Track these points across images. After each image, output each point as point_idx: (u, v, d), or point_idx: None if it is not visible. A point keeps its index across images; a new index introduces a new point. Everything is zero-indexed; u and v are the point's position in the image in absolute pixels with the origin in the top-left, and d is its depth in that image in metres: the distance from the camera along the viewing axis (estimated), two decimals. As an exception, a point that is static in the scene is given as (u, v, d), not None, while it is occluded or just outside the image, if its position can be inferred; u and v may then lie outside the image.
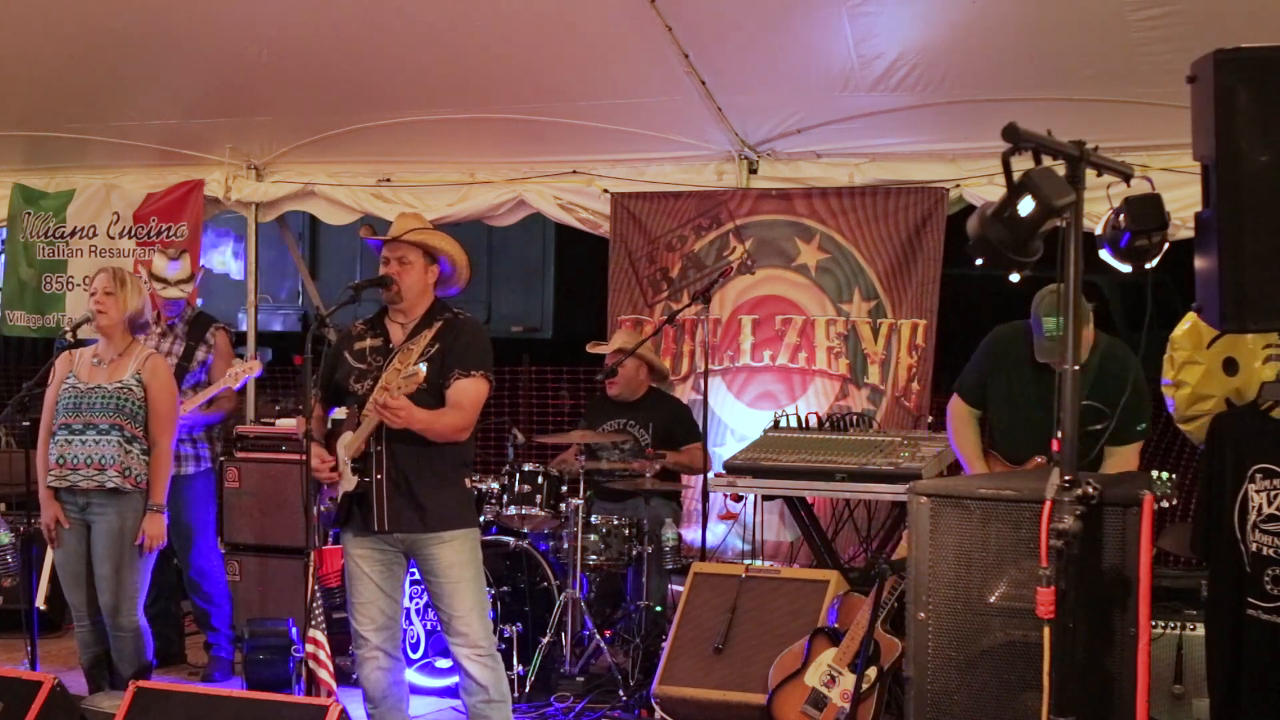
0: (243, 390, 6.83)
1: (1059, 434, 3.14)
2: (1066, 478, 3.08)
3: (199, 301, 6.66)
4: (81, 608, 5.33)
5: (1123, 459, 5.05)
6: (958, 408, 5.30)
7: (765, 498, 6.32)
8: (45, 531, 5.32)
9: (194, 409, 6.07)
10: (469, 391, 4.48)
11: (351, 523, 4.55)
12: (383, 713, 4.63)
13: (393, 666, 4.62)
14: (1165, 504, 4.11)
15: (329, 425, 4.70)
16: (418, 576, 4.89)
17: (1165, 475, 4.04)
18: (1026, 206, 3.06)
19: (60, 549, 5.33)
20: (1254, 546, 4.10)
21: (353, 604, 4.57)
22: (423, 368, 4.31)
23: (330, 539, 5.77)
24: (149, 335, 5.89)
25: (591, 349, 6.79)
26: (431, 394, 4.43)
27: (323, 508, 4.60)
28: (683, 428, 6.50)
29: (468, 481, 4.65)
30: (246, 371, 6.17)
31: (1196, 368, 4.58)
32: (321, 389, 4.71)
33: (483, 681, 4.51)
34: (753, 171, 6.86)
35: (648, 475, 6.12)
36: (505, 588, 5.95)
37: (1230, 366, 4.48)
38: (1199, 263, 3.38)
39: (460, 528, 4.54)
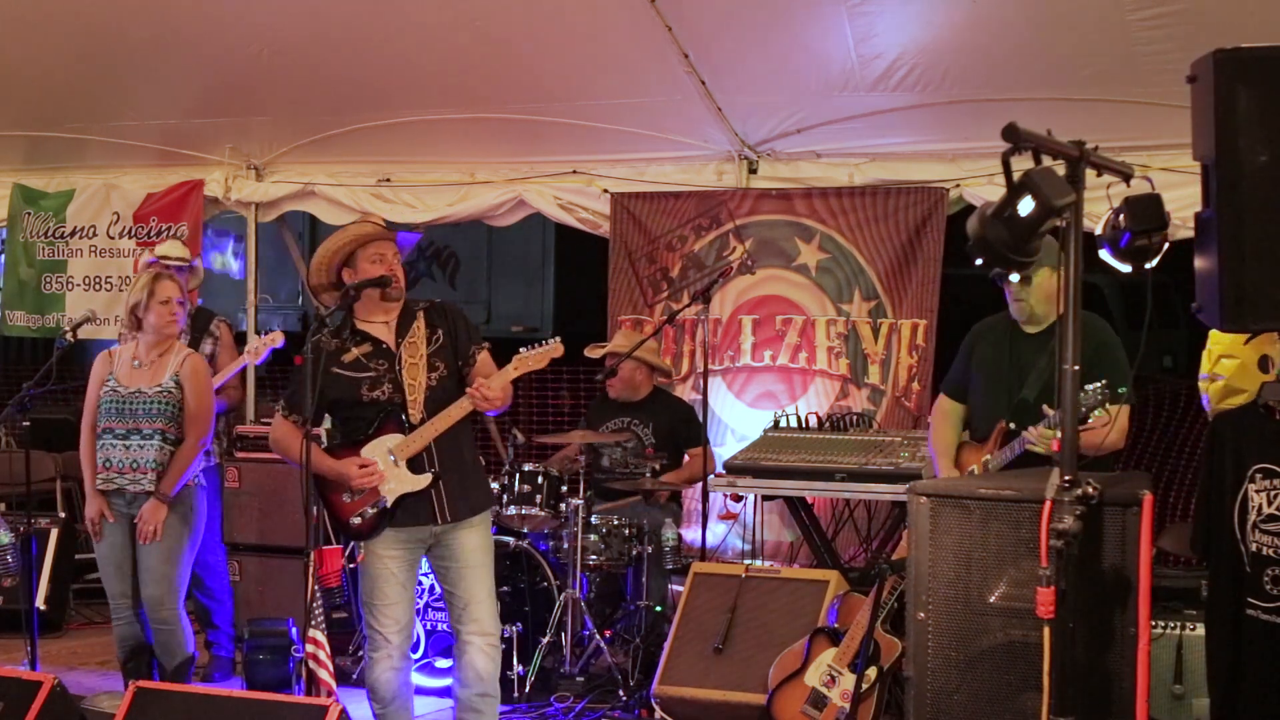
0: (241, 388, 6.82)
1: (1059, 434, 3.13)
2: (1066, 478, 3.08)
3: (199, 300, 6.66)
4: (122, 598, 5.35)
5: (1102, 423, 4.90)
6: (940, 404, 5.25)
7: (765, 498, 6.32)
8: (89, 525, 5.36)
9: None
10: (492, 362, 4.63)
11: (392, 524, 4.52)
12: (391, 713, 4.63)
13: (404, 667, 4.64)
14: (1099, 411, 4.19)
15: (325, 443, 4.68)
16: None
17: (1096, 385, 4.16)
18: (1026, 206, 3.06)
19: (103, 541, 5.34)
20: (1254, 546, 4.10)
21: (375, 605, 4.53)
22: (556, 341, 4.52)
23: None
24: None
25: (589, 353, 6.78)
26: (452, 378, 4.52)
27: (354, 522, 4.54)
28: (686, 429, 6.49)
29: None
30: (270, 343, 6.21)
31: (1232, 362, 4.58)
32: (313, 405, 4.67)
33: (484, 674, 4.53)
34: (753, 171, 6.85)
35: (648, 475, 6.13)
36: (505, 588, 5.95)
37: (1264, 364, 4.49)
38: (1199, 263, 3.38)
39: (488, 508, 4.71)
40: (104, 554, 5.36)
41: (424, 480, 4.47)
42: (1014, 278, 4.73)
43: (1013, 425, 4.73)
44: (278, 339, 6.25)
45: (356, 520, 4.52)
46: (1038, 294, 4.82)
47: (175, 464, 5.29)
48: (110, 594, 5.40)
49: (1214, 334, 4.62)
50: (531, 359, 4.51)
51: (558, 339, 4.51)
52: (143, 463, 5.26)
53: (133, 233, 7.76)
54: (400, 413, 4.48)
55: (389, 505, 4.50)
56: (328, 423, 4.80)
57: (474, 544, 4.56)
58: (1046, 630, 3.07)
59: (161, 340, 5.38)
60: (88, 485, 5.35)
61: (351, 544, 4.81)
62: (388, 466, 4.48)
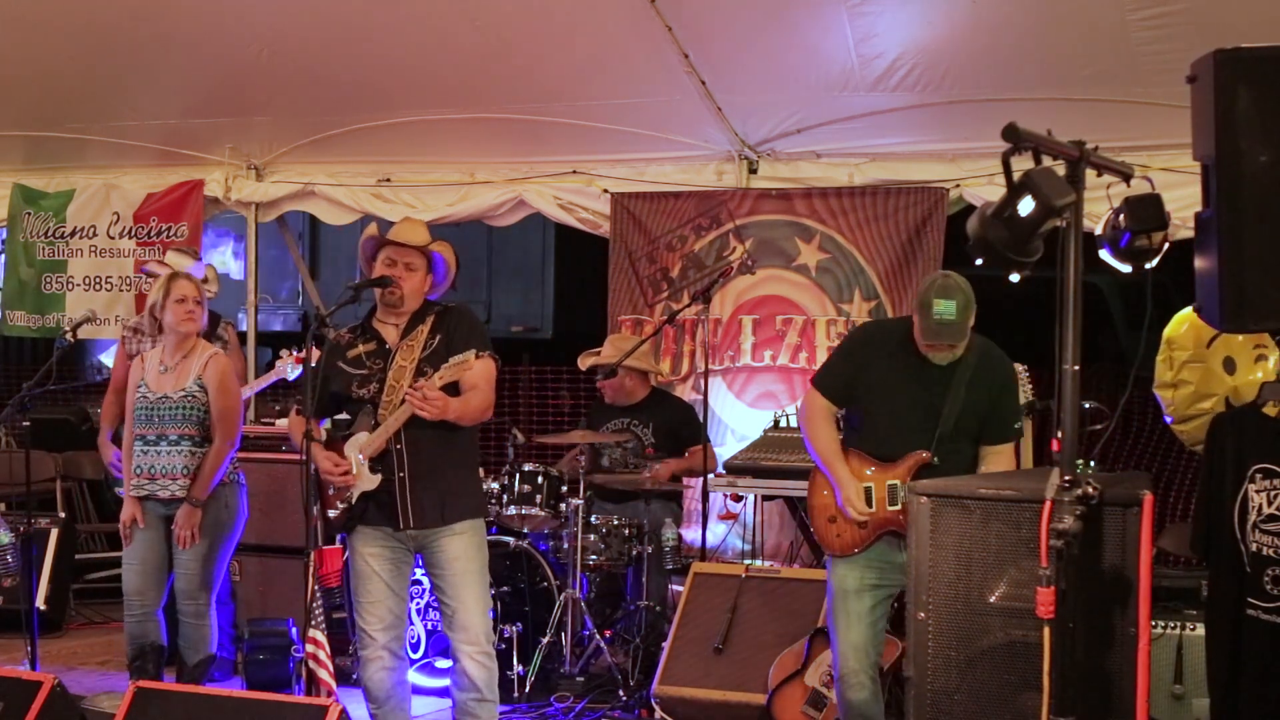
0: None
1: (1059, 434, 3.13)
2: (1067, 478, 3.08)
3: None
4: (137, 596, 5.37)
5: (1002, 458, 4.63)
6: (815, 402, 4.68)
7: (765, 498, 6.32)
8: (121, 529, 5.41)
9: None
10: (483, 372, 4.52)
11: (365, 522, 4.54)
12: (386, 713, 4.62)
13: (397, 666, 4.62)
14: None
15: (324, 438, 4.69)
16: (416, 576, 4.88)
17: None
18: (1026, 206, 3.05)
19: (134, 541, 5.38)
20: (1254, 546, 4.10)
21: (360, 603, 4.55)
22: (471, 354, 4.35)
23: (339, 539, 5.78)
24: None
25: (581, 363, 6.72)
26: (445, 384, 4.46)
27: (331, 514, 4.58)
28: (686, 429, 6.49)
29: (481, 470, 4.71)
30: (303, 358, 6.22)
31: (1199, 367, 4.57)
32: (315, 402, 4.69)
33: (477, 681, 4.51)
34: (752, 171, 6.86)
35: (646, 476, 6.13)
36: (505, 588, 5.95)
37: (1229, 366, 4.48)
38: (1199, 263, 3.38)
39: (474, 517, 4.59)
40: (130, 550, 5.40)
41: (375, 480, 4.48)
42: (940, 309, 4.48)
43: (937, 460, 4.53)
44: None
45: (333, 512, 4.58)
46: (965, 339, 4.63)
47: (205, 467, 5.32)
48: (126, 591, 5.41)
49: (1171, 340, 4.61)
50: (454, 369, 4.39)
51: (471, 352, 4.37)
52: (171, 469, 5.30)
53: (133, 233, 7.76)
54: (376, 412, 4.50)
55: (353, 502, 4.53)
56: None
57: (456, 552, 4.50)
58: (1046, 630, 3.07)
59: (182, 341, 5.40)
60: (125, 489, 5.42)
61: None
62: (356, 464, 4.51)
